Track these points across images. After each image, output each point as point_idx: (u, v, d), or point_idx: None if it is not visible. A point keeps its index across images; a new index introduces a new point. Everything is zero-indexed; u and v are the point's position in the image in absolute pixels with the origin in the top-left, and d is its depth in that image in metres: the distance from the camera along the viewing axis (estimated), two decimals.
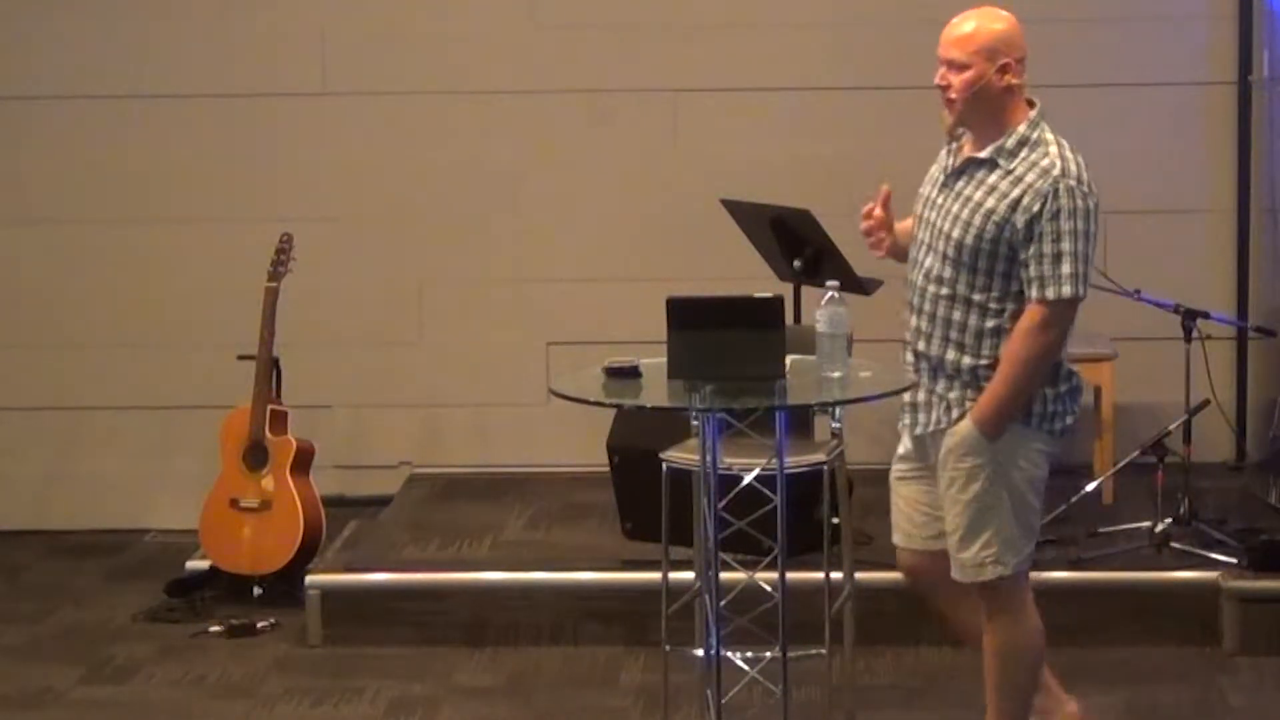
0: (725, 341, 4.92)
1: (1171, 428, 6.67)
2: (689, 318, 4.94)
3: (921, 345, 4.99)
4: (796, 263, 6.74)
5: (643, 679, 6.15)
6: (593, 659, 6.37)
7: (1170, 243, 7.79)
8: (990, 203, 4.87)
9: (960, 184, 4.96)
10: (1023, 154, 4.90)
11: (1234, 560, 6.40)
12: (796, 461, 5.24)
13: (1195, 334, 6.74)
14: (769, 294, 4.97)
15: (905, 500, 5.20)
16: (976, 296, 4.90)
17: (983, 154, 4.93)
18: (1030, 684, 5.15)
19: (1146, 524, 6.57)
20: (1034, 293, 4.84)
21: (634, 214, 7.90)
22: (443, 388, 8.04)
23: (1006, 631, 5.08)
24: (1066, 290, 4.82)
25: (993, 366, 4.89)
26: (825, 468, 5.43)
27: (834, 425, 5.57)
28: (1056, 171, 4.84)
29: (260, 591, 6.97)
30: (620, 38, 7.87)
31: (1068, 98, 7.76)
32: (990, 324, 4.91)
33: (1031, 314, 4.85)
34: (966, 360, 4.93)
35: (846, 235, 6.82)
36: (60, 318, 8.03)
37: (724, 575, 5.07)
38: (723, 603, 5.04)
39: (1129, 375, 7.32)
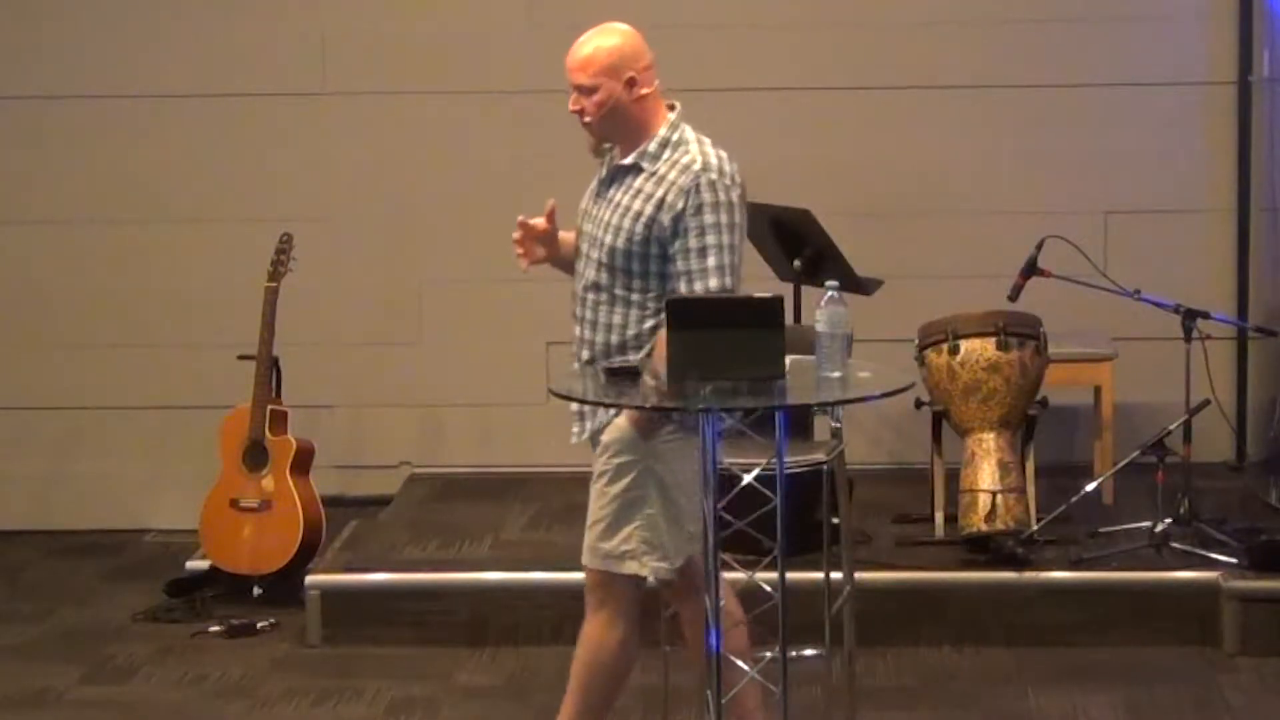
0: (725, 341, 4.91)
1: (1171, 428, 6.67)
2: (689, 318, 4.94)
3: (585, 353, 5.01)
4: (796, 263, 6.74)
5: (643, 679, 6.13)
6: None
7: (1170, 243, 7.79)
8: (637, 205, 4.91)
9: (611, 191, 5.00)
10: (665, 155, 4.94)
11: (1234, 560, 6.40)
12: (796, 461, 5.24)
13: (1195, 334, 6.73)
14: (769, 294, 4.97)
15: None
16: (635, 297, 4.94)
17: (627, 160, 4.97)
18: (605, 691, 5.10)
19: (1146, 524, 6.57)
20: (682, 287, 4.88)
21: None
22: (443, 388, 8.04)
23: (603, 629, 5.05)
24: (713, 283, 4.87)
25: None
26: (825, 468, 5.42)
27: (834, 425, 5.57)
28: (697, 167, 4.89)
29: (260, 591, 6.97)
30: None
31: (1068, 98, 7.81)
32: (649, 324, 4.95)
33: None
34: (628, 359, 4.95)
35: (846, 235, 6.84)
36: (60, 318, 8.04)
37: (724, 575, 5.07)
38: (723, 603, 5.03)
39: (1129, 375, 7.32)
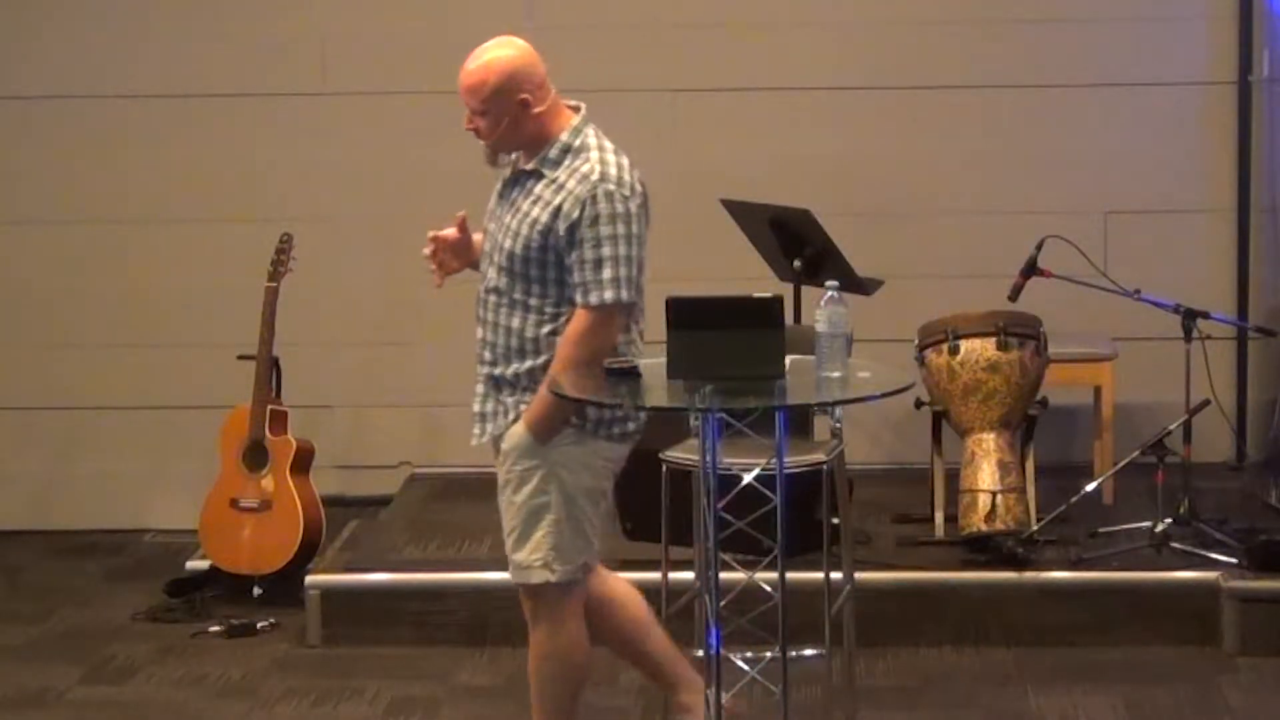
0: (725, 341, 4.91)
1: (1171, 428, 6.66)
2: (689, 318, 4.94)
3: (488, 355, 4.99)
4: (796, 263, 6.74)
5: (643, 679, 6.14)
6: (592, 659, 6.35)
7: (1170, 243, 7.79)
8: (535, 212, 4.90)
9: (513, 195, 5.00)
10: (566, 161, 4.92)
11: (1234, 560, 6.40)
12: (796, 461, 5.24)
13: (1195, 334, 6.73)
14: (769, 294, 4.97)
15: None
16: (533, 302, 4.92)
17: (529, 165, 4.96)
18: (564, 697, 5.10)
19: (1146, 524, 6.57)
20: (579, 298, 4.87)
21: None
22: (443, 388, 8.02)
23: (544, 641, 5.05)
24: (608, 295, 4.85)
25: (547, 369, 4.89)
26: (825, 468, 5.42)
27: (834, 425, 5.57)
28: (595, 177, 4.87)
29: (260, 591, 6.97)
30: (620, 38, 7.87)
31: (1068, 98, 7.82)
32: (546, 329, 4.92)
33: (580, 318, 4.87)
34: (526, 364, 4.93)
35: (846, 235, 6.84)
36: (60, 318, 8.04)
37: (724, 575, 5.06)
38: (723, 603, 5.04)
39: (1129, 375, 7.32)
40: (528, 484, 4.95)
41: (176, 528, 7.76)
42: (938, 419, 6.81)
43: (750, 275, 6.91)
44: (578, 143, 4.95)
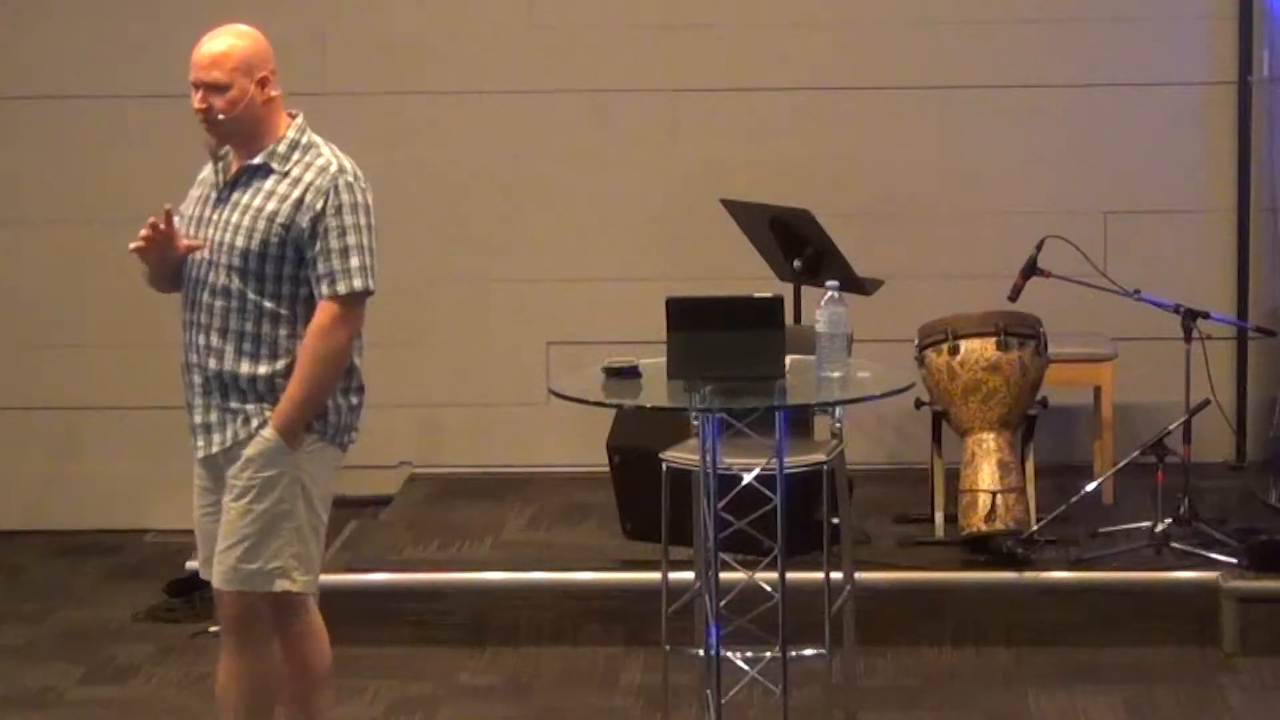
0: (725, 341, 4.92)
1: (1171, 428, 6.66)
2: (689, 318, 4.95)
3: (213, 363, 4.82)
4: (796, 263, 6.74)
5: (643, 679, 6.15)
6: (593, 659, 6.37)
7: (1170, 243, 7.79)
8: (271, 206, 4.81)
9: (237, 194, 4.86)
10: (295, 156, 4.87)
11: (1234, 560, 6.40)
12: (796, 461, 5.24)
13: (1195, 334, 6.73)
14: (769, 294, 4.97)
15: (207, 527, 4.99)
16: (268, 304, 4.81)
17: (256, 160, 4.85)
18: (271, 712, 5.03)
19: (1146, 524, 6.57)
20: (325, 289, 4.79)
21: (634, 214, 7.90)
22: (443, 388, 8.04)
23: (253, 664, 4.93)
24: (358, 283, 4.80)
25: (288, 373, 4.82)
26: (825, 468, 5.43)
27: (834, 425, 5.57)
28: (334, 169, 4.85)
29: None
30: (620, 38, 7.87)
31: (1068, 98, 7.82)
32: (284, 330, 4.82)
33: (325, 311, 4.79)
34: (262, 369, 4.81)
35: (846, 235, 6.84)
36: (60, 318, 8.03)
37: (724, 575, 5.07)
38: (723, 603, 5.04)
39: (1129, 375, 7.33)
40: (272, 491, 4.83)
41: (176, 528, 7.74)
42: (938, 419, 6.81)
43: (750, 275, 6.91)
44: (305, 139, 4.90)
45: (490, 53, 7.91)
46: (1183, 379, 6.71)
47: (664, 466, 5.41)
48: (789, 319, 5.91)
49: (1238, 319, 7.59)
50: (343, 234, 4.80)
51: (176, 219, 4.90)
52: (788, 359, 5.01)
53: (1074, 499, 6.70)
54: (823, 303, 5.10)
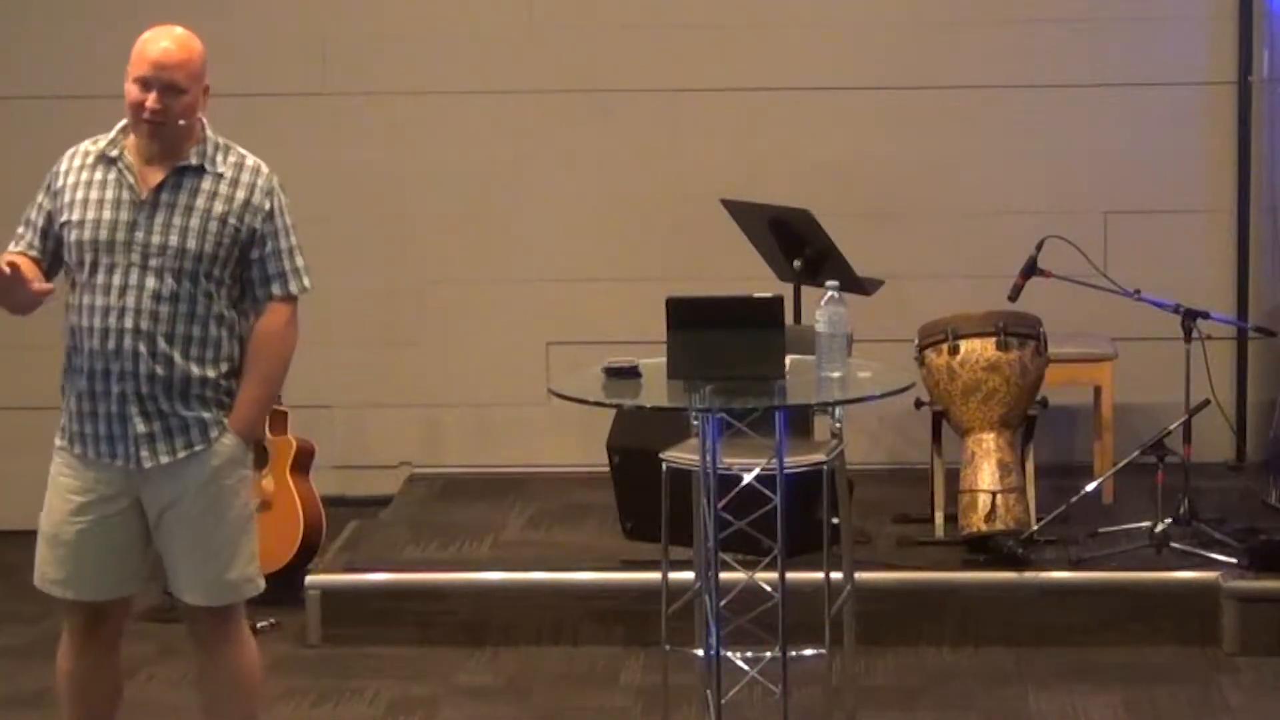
0: (725, 341, 4.92)
1: (1171, 428, 6.67)
2: (689, 318, 4.95)
3: (160, 370, 4.69)
4: (796, 263, 6.75)
5: (643, 679, 6.15)
6: (593, 659, 6.37)
7: (1170, 243, 7.79)
8: (219, 207, 4.74)
9: (167, 196, 4.75)
10: (221, 158, 4.81)
11: (1234, 560, 6.40)
12: (796, 461, 5.24)
13: (1195, 334, 6.74)
14: (769, 294, 4.97)
15: (103, 548, 4.94)
16: (215, 306, 4.75)
17: (191, 161, 4.77)
18: (258, 707, 5.03)
19: (1146, 524, 6.57)
20: (276, 290, 4.78)
21: (634, 214, 7.90)
22: (443, 388, 8.04)
23: (242, 655, 4.94)
24: (306, 282, 4.82)
25: (231, 375, 4.78)
26: (825, 468, 5.43)
27: (834, 425, 5.57)
28: (266, 170, 4.83)
29: (260, 591, 6.96)
30: (620, 38, 7.87)
31: (1068, 98, 7.82)
32: (227, 332, 4.77)
33: (279, 311, 4.78)
34: (211, 373, 4.75)
35: (846, 235, 6.84)
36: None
37: (724, 575, 5.07)
38: (723, 603, 5.04)
39: (1129, 375, 7.33)
40: (239, 495, 4.82)
41: None
42: (938, 419, 6.81)
43: (750, 275, 6.91)
44: (223, 141, 4.85)
45: (490, 53, 7.91)
46: (1183, 379, 6.71)
47: (664, 466, 5.40)
48: (789, 319, 5.91)
49: (1238, 319, 7.59)
50: (287, 233, 4.81)
51: (33, 254, 4.80)
52: (788, 359, 5.01)
53: (1074, 499, 6.70)
54: (823, 303, 5.10)
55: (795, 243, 6.78)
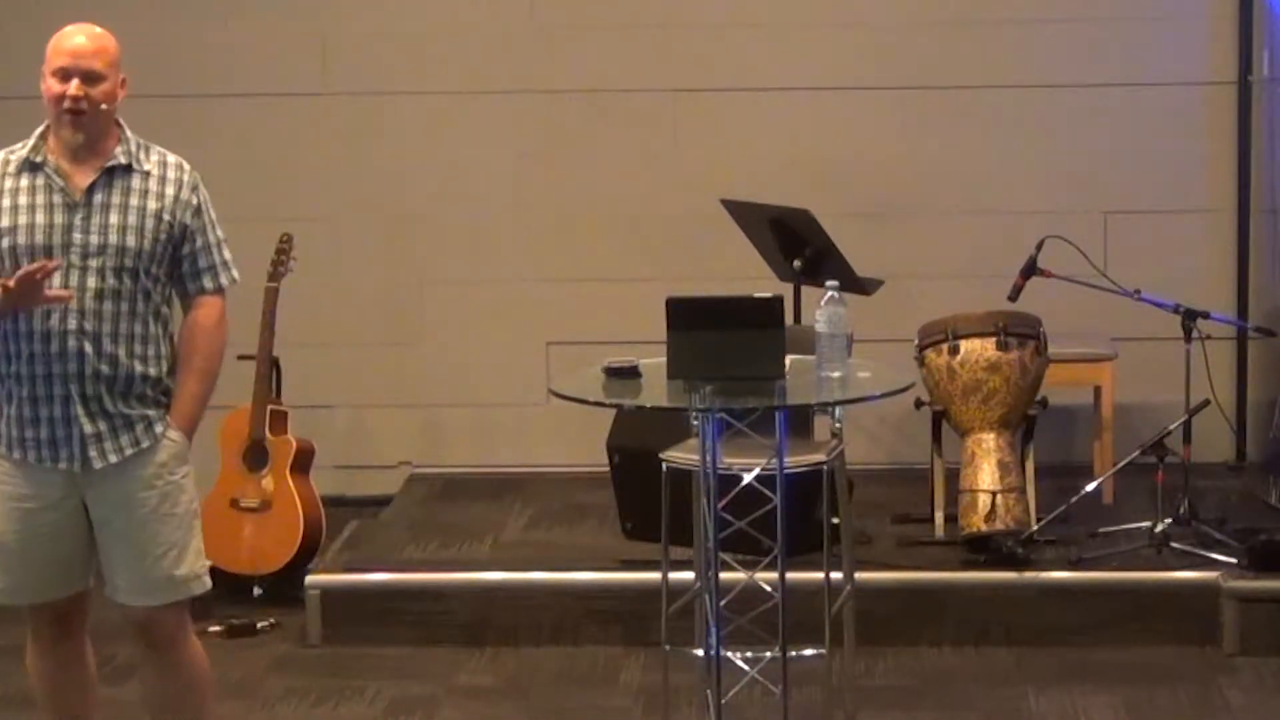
0: (725, 341, 4.92)
1: (1171, 428, 6.67)
2: (689, 318, 4.95)
3: (106, 369, 4.67)
4: (796, 263, 6.75)
5: (643, 679, 6.15)
6: (593, 659, 6.37)
7: (1170, 243, 7.79)
8: (153, 205, 4.75)
9: (100, 196, 4.74)
10: (144, 156, 4.80)
11: (1234, 560, 6.40)
12: (796, 461, 5.24)
13: (1195, 334, 6.74)
14: (769, 294, 4.97)
15: (49, 553, 4.85)
16: (153, 303, 4.76)
17: (121, 161, 4.76)
18: (212, 707, 5.03)
19: (1146, 524, 6.57)
20: (208, 283, 4.82)
21: (634, 214, 7.90)
22: (443, 388, 8.04)
23: (195, 654, 4.95)
24: (235, 274, 4.88)
25: (170, 371, 4.80)
26: (825, 468, 5.43)
27: (834, 425, 5.58)
28: (188, 166, 4.85)
29: (260, 591, 6.97)
30: (620, 38, 7.87)
31: (1068, 98, 7.82)
32: (162, 328, 4.79)
33: (212, 305, 4.83)
34: (153, 370, 4.76)
35: (846, 235, 6.84)
36: None
37: (724, 575, 5.07)
38: (723, 603, 5.04)
39: (1129, 375, 7.33)
40: (185, 491, 4.82)
41: None
42: (938, 419, 6.80)
43: (750, 275, 6.91)
44: (140, 140, 4.83)
45: (490, 53, 7.91)
46: (1183, 379, 6.71)
47: (664, 466, 5.40)
48: (789, 319, 5.91)
49: (1238, 319, 7.59)
50: (215, 227, 4.87)
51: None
52: (788, 359, 5.01)
53: (1074, 499, 6.70)
54: (823, 303, 5.10)
55: (795, 243, 6.78)
